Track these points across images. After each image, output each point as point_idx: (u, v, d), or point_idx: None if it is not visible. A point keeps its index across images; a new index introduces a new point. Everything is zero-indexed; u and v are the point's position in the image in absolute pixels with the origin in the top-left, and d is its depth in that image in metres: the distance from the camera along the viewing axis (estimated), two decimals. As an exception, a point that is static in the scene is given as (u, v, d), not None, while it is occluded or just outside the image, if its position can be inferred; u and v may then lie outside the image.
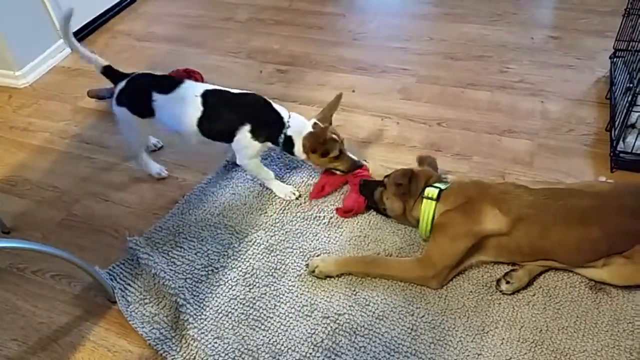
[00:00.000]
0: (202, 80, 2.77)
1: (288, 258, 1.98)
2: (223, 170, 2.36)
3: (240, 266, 1.97)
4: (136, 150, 2.31)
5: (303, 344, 1.72)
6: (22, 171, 2.51)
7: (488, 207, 1.77)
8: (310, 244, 2.02)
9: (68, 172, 2.49)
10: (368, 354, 1.68)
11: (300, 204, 2.17)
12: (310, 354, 1.69)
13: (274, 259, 1.98)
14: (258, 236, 2.06)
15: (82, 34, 3.48)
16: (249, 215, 2.15)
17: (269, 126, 2.08)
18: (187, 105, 2.05)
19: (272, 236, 2.06)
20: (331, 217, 2.10)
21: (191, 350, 1.71)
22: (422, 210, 1.86)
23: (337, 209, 2.12)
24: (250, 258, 1.99)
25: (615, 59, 2.66)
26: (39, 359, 1.78)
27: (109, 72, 2.16)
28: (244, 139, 2.06)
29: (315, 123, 2.10)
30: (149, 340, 1.77)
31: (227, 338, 1.75)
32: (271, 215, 2.14)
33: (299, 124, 2.09)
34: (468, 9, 3.40)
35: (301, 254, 1.99)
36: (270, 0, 3.74)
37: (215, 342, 1.74)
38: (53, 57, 3.26)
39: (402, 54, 3.05)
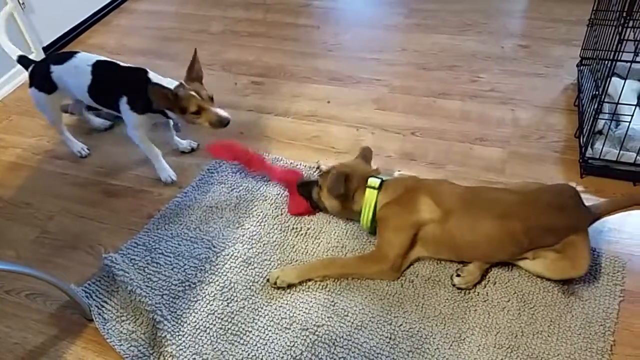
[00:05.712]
0: None
1: (266, 271, 1.97)
2: (198, 184, 2.36)
3: (217, 280, 1.96)
4: (58, 126, 2.51)
5: (282, 357, 1.72)
6: (-7, 189, 2.47)
7: (423, 198, 1.88)
8: (288, 256, 2.02)
9: (41, 188, 2.46)
10: (347, 364, 1.69)
11: (277, 215, 2.18)
12: (290, 366, 1.70)
13: (252, 272, 1.98)
14: (235, 249, 2.06)
15: (55, 47, 3.44)
16: (226, 229, 2.15)
17: (143, 96, 2.10)
18: (79, 74, 2.23)
19: (249, 249, 2.06)
20: (308, 229, 2.11)
21: (170, 366, 1.70)
22: (365, 200, 1.94)
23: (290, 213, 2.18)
24: (227, 272, 1.99)
25: (582, 67, 2.72)
26: (13, 381, 1.75)
27: (23, 61, 2.38)
28: (125, 110, 2.20)
29: (179, 84, 2.11)
30: (127, 358, 1.75)
31: (205, 354, 1.74)
32: (248, 228, 2.14)
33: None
34: (439, 19, 3.45)
35: (279, 266, 1.99)
36: (244, 12, 3.75)
37: (194, 358, 1.73)
38: (24, 72, 3.20)
39: (376, 64, 3.09)
